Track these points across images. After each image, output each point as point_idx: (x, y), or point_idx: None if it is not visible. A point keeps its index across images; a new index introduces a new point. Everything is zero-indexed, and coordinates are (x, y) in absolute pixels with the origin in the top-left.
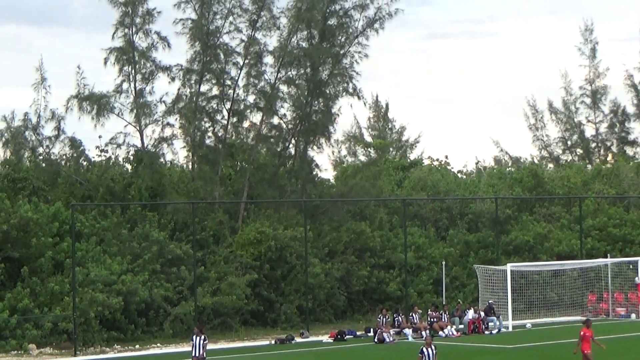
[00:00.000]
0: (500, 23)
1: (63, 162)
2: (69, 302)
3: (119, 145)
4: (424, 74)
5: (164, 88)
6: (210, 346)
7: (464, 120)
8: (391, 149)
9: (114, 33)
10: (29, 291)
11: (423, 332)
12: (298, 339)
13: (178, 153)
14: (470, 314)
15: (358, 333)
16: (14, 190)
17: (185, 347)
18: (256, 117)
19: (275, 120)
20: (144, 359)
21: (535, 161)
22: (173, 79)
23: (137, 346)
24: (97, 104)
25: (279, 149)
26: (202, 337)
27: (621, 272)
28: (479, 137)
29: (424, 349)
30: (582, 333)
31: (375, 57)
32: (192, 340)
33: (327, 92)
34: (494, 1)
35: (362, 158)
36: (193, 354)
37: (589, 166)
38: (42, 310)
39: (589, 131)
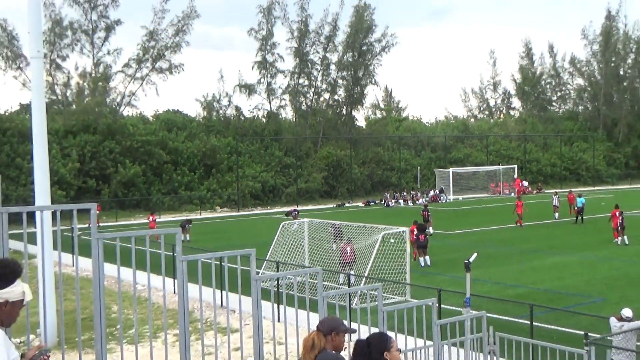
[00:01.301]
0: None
1: (232, 118)
2: (235, 186)
3: (259, 109)
4: (411, 68)
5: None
6: (304, 207)
7: (431, 95)
8: (393, 111)
9: None
10: (216, 180)
11: (409, 202)
12: (347, 205)
13: (288, 113)
14: (431, 192)
15: (376, 202)
16: (208, 131)
17: (289, 209)
18: (327, 95)
19: (336, 97)
20: (272, 214)
21: (465, 117)
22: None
23: (268, 207)
24: (249, 89)
25: (337, 111)
26: (293, 208)
27: (506, 172)
28: (438, 103)
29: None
30: (517, 203)
31: (386, 59)
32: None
33: (362, 83)
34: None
35: (379, 115)
36: None
37: (492, 120)
38: (222, 190)
39: (491, 102)
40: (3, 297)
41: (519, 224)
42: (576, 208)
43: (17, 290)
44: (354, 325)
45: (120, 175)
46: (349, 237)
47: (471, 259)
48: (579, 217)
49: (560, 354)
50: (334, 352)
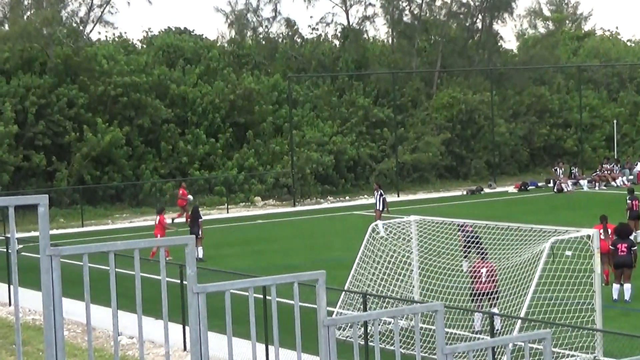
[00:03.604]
0: None
1: (280, 40)
2: (288, 160)
3: (327, 24)
4: None
5: None
6: (409, 196)
7: None
8: (567, 22)
9: None
10: (254, 151)
11: (597, 183)
12: (486, 190)
13: (379, 29)
14: (639, 165)
15: (539, 184)
16: (239, 65)
17: (388, 198)
18: None
19: None
20: (353, 208)
21: None
22: None
23: (347, 197)
24: None
25: (467, 24)
26: (380, 192)
27: None
28: None
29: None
30: None
31: None
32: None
33: None
34: None
35: (542, 30)
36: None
37: None
38: (265, 167)
39: None
40: None
41: None
42: None
43: None
44: None
45: (88, 144)
46: (483, 251)
47: None
48: None
49: None
50: None
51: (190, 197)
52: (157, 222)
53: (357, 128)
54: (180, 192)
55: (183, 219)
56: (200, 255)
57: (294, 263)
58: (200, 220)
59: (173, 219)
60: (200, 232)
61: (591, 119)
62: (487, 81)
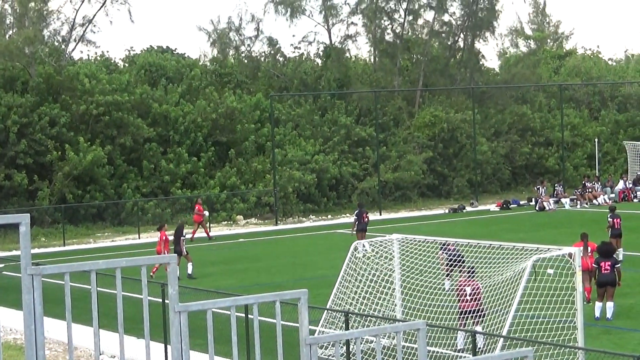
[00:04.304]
0: None
1: (262, 59)
2: (270, 179)
3: (310, 43)
4: None
5: None
6: (392, 215)
7: (615, 13)
8: (548, 41)
9: None
10: (236, 170)
11: (579, 202)
12: (468, 208)
13: (361, 48)
14: (621, 184)
15: (521, 202)
16: (221, 84)
17: (370, 217)
18: (429, 15)
19: (446, 17)
20: (335, 227)
21: None
22: None
23: (329, 216)
24: (291, 7)
25: (449, 43)
26: (355, 212)
27: None
28: (628, 27)
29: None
30: None
31: None
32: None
33: None
34: None
35: (523, 49)
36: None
37: None
38: (247, 186)
39: None
40: None
41: None
42: None
43: None
44: None
45: (70, 163)
46: (471, 269)
47: None
48: None
49: None
50: None
51: (206, 213)
52: (159, 239)
53: (339, 147)
54: (197, 207)
55: (203, 234)
56: (190, 271)
57: (277, 282)
58: (182, 238)
59: (192, 238)
60: (184, 250)
61: (573, 137)
62: (469, 100)
